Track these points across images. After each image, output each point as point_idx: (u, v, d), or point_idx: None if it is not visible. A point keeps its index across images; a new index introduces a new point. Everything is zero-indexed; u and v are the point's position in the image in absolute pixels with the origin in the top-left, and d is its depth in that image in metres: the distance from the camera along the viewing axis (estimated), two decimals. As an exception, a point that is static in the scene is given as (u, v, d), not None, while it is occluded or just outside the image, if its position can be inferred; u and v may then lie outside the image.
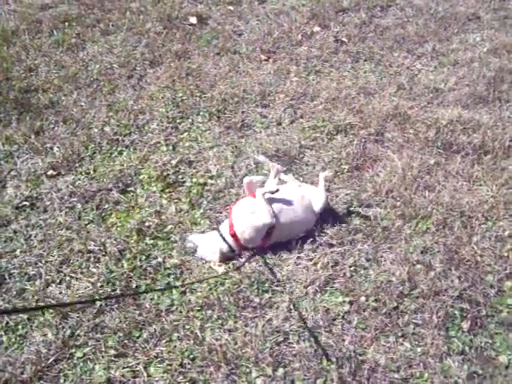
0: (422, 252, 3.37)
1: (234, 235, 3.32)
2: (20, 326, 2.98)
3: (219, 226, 3.44)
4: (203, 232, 3.50)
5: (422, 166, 3.98)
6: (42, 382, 2.72)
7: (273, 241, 3.36)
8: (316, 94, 4.76)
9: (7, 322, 2.99)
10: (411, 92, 4.84)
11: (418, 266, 3.27)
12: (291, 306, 3.05)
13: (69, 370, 2.78)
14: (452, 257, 3.32)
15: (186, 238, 3.44)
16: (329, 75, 5.07)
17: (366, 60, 5.32)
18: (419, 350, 2.88)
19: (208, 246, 3.34)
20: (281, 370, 2.77)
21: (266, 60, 5.27)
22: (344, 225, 3.51)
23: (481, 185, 3.86)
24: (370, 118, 4.44)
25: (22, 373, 2.74)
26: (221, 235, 3.35)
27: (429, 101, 4.72)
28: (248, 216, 3.30)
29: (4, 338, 2.92)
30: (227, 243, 3.33)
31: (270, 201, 3.33)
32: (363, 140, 4.24)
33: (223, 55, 5.32)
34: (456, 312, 3.04)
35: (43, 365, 2.78)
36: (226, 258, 3.34)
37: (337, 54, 5.37)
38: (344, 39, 5.58)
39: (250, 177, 3.55)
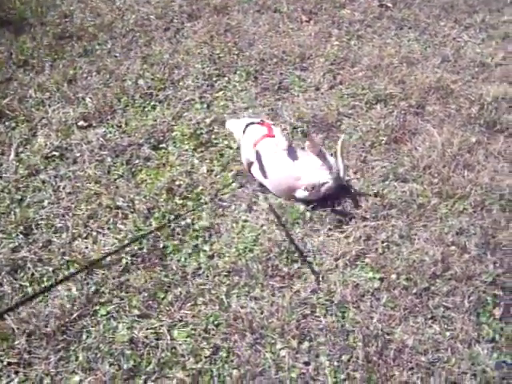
0: (457, 233, 3.25)
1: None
2: (45, 279, 2.95)
3: None
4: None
5: (462, 143, 3.84)
6: (65, 336, 2.69)
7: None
8: (357, 60, 4.62)
9: (33, 274, 2.96)
10: (456, 65, 4.68)
11: (453, 248, 3.16)
12: (320, 279, 2.99)
13: (92, 326, 2.75)
14: (488, 241, 3.22)
15: (226, 121, 3.83)
16: (371, 41, 4.92)
17: (410, 28, 5.16)
18: (448, 333, 2.79)
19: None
20: (306, 344, 2.71)
21: (307, 21, 5.12)
22: (379, 199, 3.41)
23: (523, 167, 3.73)
24: (412, 90, 4.30)
25: (46, 326, 2.71)
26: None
27: (474, 75, 4.56)
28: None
29: (29, 290, 2.89)
30: None
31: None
32: (403, 112, 4.11)
33: (263, 13, 5.19)
34: (488, 298, 2.94)
35: (67, 320, 2.74)
36: None
37: (380, 20, 5.22)
38: (389, 4, 5.43)
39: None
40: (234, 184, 3.51)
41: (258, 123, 3.61)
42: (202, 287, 2.92)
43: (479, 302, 2.93)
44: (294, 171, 3.35)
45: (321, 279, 2.98)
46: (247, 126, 3.62)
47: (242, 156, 3.57)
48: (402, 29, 5.13)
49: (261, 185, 3.48)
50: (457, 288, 2.97)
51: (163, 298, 2.88)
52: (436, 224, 3.30)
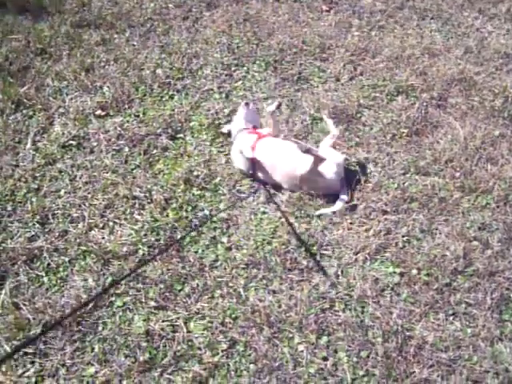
0: (479, 228, 3.19)
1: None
2: (61, 269, 2.94)
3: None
4: None
5: (485, 136, 3.76)
6: (80, 327, 2.68)
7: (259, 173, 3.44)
8: (378, 50, 4.55)
9: (49, 264, 2.95)
10: (479, 56, 4.58)
11: (475, 243, 3.10)
12: (339, 272, 2.94)
13: (108, 318, 2.73)
14: (511, 236, 3.15)
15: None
16: (392, 32, 4.84)
17: (432, 18, 5.08)
18: (469, 330, 2.73)
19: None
20: (324, 339, 2.67)
21: (327, 11, 5.05)
22: (399, 192, 3.35)
23: (548, 161, 3.64)
24: (434, 81, 4.22)
25: (62, 316, 2.70)
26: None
27: (498, 67, 4.46)
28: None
29: (45, 279, 2.89)
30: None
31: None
32: (425, 104, 4.03)
33: (283, 2, 5.13)
34: (512, 295, 2.89)
35: (82, 310, 2.73)
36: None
37: (402, 10, 5.13)
38: (411, -6, 5.31)
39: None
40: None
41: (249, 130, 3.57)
42: (220, 280, 2.89)
43: (502, 299, 2.86)
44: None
45: (340, 273, 2.93)
46: (238, 132, 3.58)
47: (239, 162, 3.49)
48: (424, 19, 5.04)
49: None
50: (479, 284, 2.91)
51: (180, 290, 2.85)
52: (458, 219, 3.23)
